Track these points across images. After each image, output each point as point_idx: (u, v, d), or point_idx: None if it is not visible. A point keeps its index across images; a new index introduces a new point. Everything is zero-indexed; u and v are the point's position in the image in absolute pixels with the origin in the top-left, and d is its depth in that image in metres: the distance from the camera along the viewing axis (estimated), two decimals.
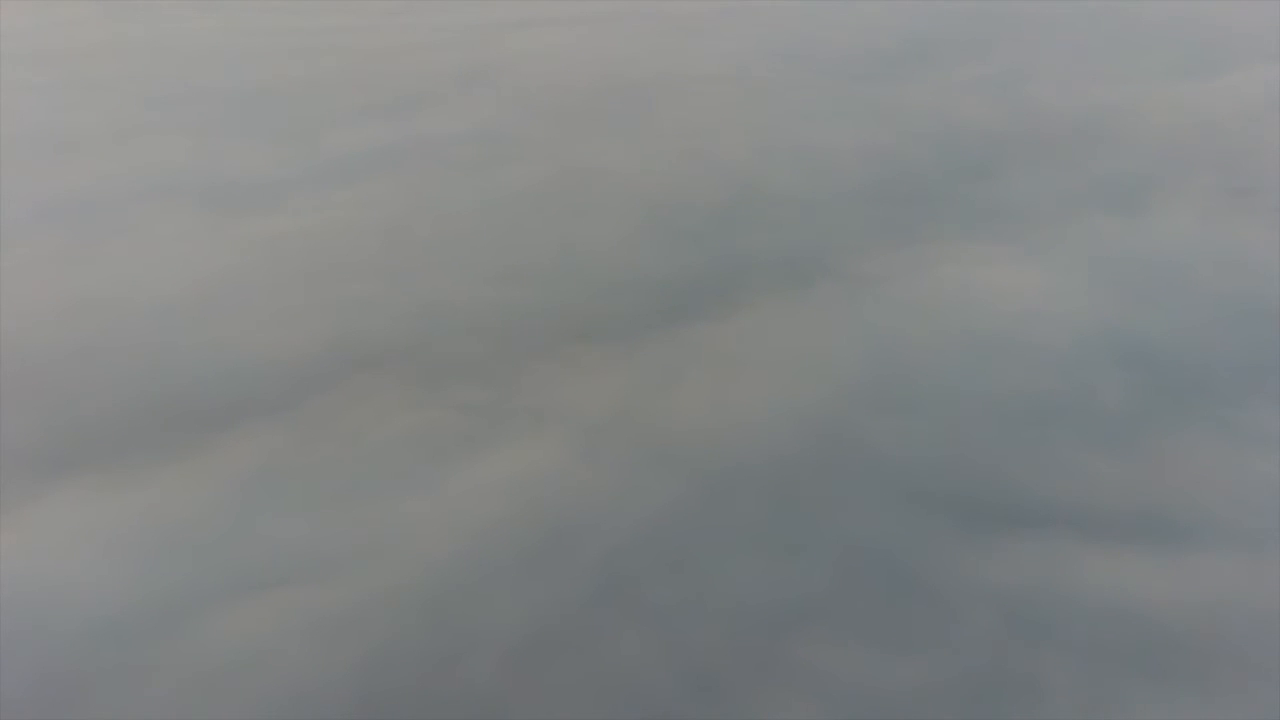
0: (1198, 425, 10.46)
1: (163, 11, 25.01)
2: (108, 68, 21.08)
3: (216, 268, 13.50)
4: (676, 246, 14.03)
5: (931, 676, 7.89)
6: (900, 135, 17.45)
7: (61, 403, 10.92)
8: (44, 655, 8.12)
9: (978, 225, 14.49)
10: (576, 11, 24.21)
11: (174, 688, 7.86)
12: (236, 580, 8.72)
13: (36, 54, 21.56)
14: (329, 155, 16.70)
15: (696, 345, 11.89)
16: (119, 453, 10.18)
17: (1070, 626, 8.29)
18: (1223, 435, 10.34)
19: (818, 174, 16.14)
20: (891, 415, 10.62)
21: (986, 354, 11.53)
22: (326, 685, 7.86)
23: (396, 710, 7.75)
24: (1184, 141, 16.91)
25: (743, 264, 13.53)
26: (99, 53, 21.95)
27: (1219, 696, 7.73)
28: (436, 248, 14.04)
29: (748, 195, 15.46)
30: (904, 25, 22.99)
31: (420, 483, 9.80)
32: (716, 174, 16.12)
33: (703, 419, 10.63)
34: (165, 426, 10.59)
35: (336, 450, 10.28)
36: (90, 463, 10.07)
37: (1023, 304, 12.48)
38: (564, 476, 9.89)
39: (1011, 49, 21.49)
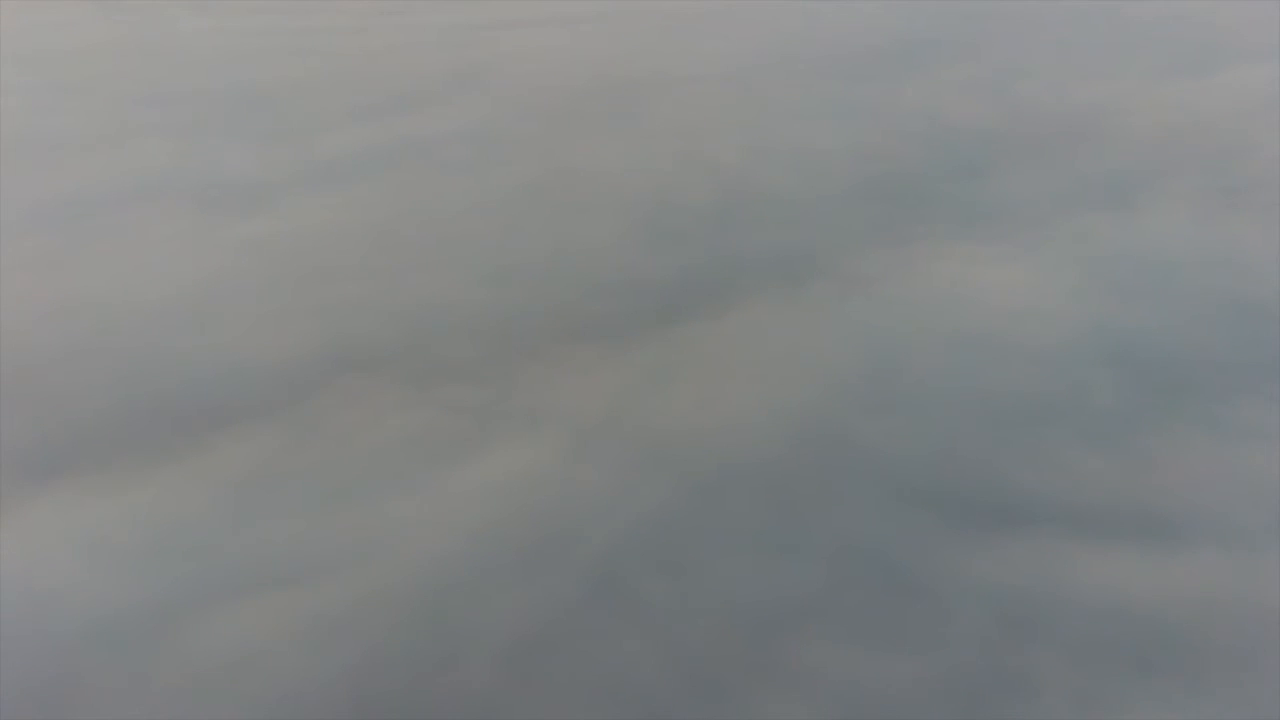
0: (1188, 422, 10.50)
1: (154, 13, 24.95)
2: (99, 69, 21.04)
3: (208, 269, 13.48)
4: (668, 246, 14.04)
5: (925, 674, 7.91)
6: (892, 135, 17.48)
7: (54, 405, 10.89)
8: (38, 657, 8.10)
9: (969, 224, 14.53)
10: (568, 12, 24.21)
11: (169, 690, 7.85)
12: (231, 582, 8.71)
13: (27, 55, 21.50)
14: (321, 156, 16.68)
15: (689, 345, 11.90)
16: (112, 455, 10.16)
17: (1063, 623, 8.32)
18: (1213, 432, 10.38)
19: (810, 174, 16.17)
20: (884, 414, 10.64)
21: (978, 353, 11.56)
22: (321, 687, 7.85)
23: (391, 711, 7.74)
24: (1174, 140, 16.97)
25: (735, 264, 13.54)
26: (90, 54, 21.89)
27: (1210, 691, 7.76)
28: (428, 249, 14.03)
29: (739, 195, 15.48)
30: (896, 25, 23.04)
31: (413, 484, 9.80)
32: (709, 174, 16.14)
33: (696, 419, 10.64)
34: (158, 429, 10.57)
35: (330, 452, 10.27)
36: (83, 465, 10.04)
37: (1014, 302, 12.51)
38: (557, 477, 9.89)
39: (1003, 49, 21.54)
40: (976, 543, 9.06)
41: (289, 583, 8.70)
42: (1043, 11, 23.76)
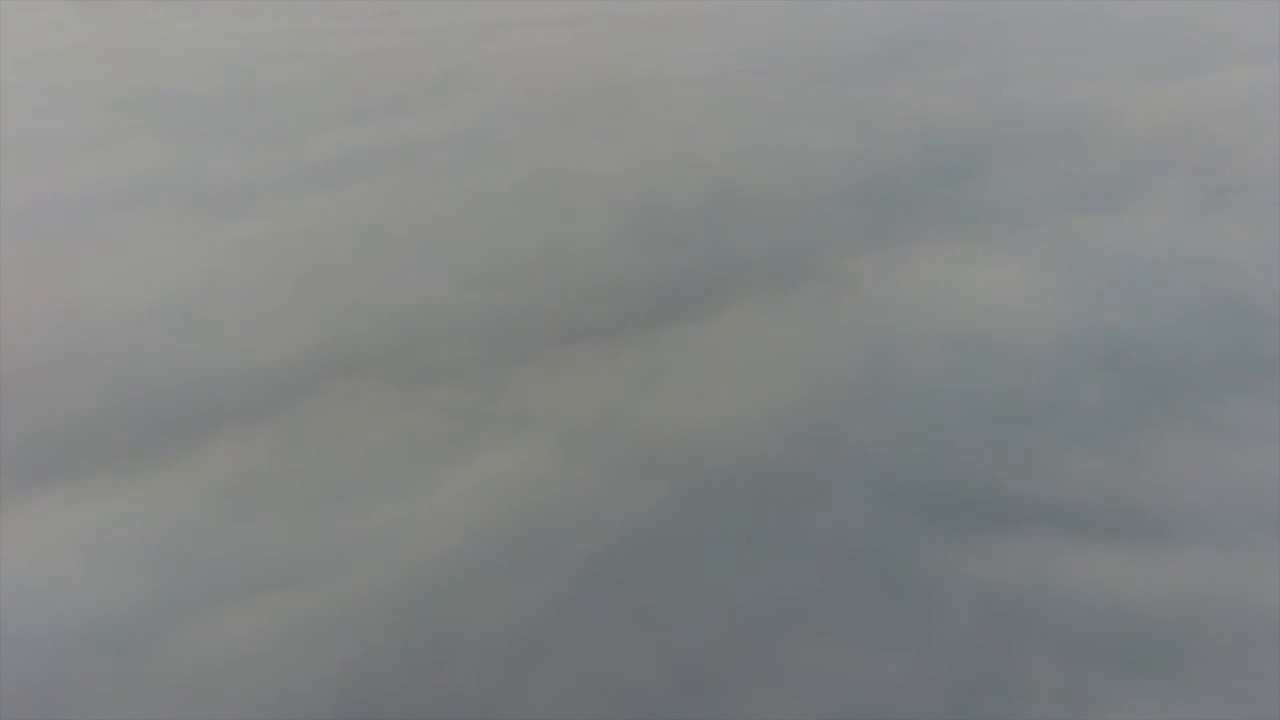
0: (1176, 422, 10.54)
1: (142, 16, 24.89)
2: (89, 72, 20.98)
3: (198, 272, 13.46)
4: (659, 248, 14.05)
5: (917, 672, 7.94)
6: (881, 137, 17.52)
7: (46, 409, 10.87)
8: (31, 659, 8.09)
9: (959, 226, 14.56)
10: (557, 14, 24.21)
11: (159, 693, 7.85)
12: (221, 585, 8.70)
13: (16, 59, 21.44)
14: (312, 159, 16.66)
15: (680, 347, 11.92)
16: (105, 458, 10.15)
17: (1053, 621, 8.36)
18: (1200, 431, 10.42)
19: (799, 176, 16.19)
20: (875, 414, 10.67)
21: (968, 353, 11.59)
22: (312, 689, 7.85)
23: (384, 712, 7.75)
24: (1161, 141, 17.03)
25: (725, 265, 13.56)
26: (80, 57, 21.84)
27: (1200, 689, 7.80)
28: (420, 251, 14.02)
29: (730, 197, 15.50)
30: (885, 28, 23.08)
31: (404, 486, 9.79)
32: (699, 176, 16.15)
33: (686, 420, 10.65)
34: (150, 432, 10.57)
35: (322, 454, 10.26)
36: (76, 469, 10.03)
37: (1003, 303, 12.54)
38: (548, 479, 9.89)
39: (991, 51, 21.59)
40: (967, 542, 9.09)
41: (281, 585, 8.70)
42: (1031, 13, 23.83)
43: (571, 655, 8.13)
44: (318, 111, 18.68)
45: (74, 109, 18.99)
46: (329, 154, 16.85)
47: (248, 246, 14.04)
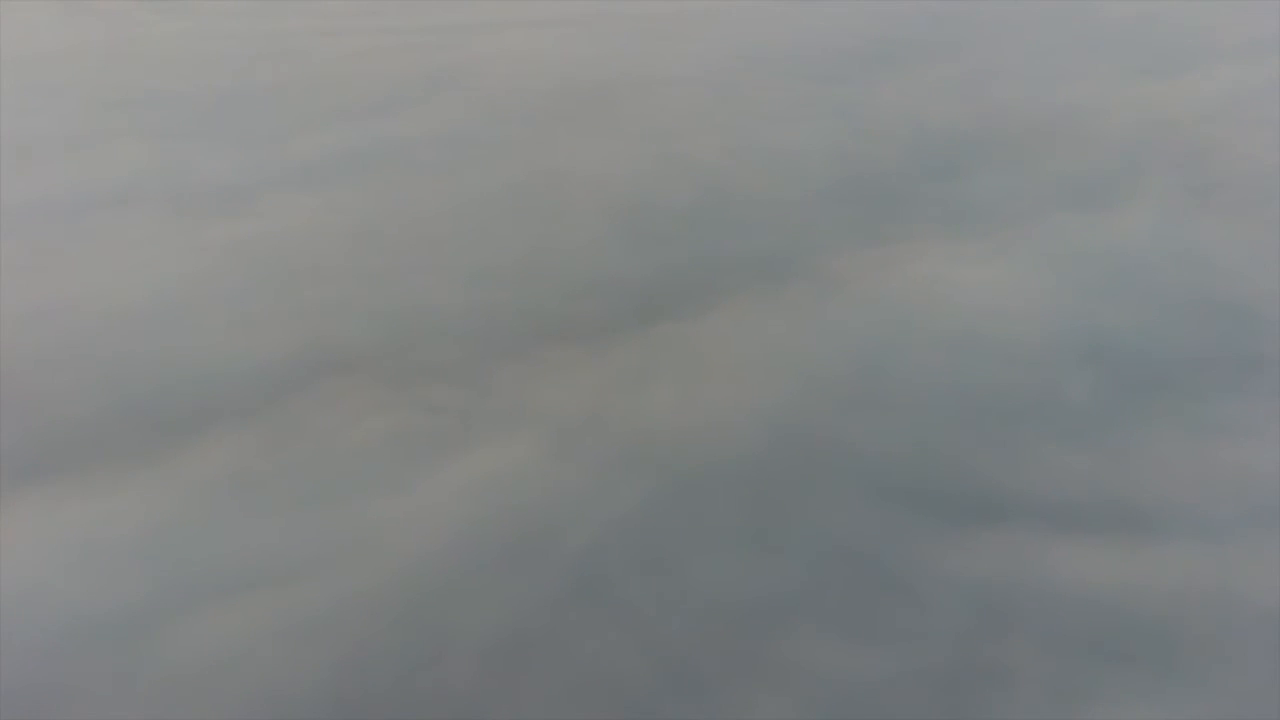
0: (1162, 418, 10.62)
1: (127, 16, 24.79)
2: (73, 72, 20.90)
3: (185, 272, 13.42)
4: (647, 247, 14.08)
5: (905, 666, 7.99)
6: (869, 136, 17.59)
7: (32, 409, 10.83)
8: (17, 660, 8.05)
9: (946, 224, 14.63)
10: (544, 14, 24.22)
11: (148, 693, 7.82)
12: (210, 585, 8.68)
13: (0, 59, 21.30)
14: (299, 159, 16.62)
15: (668, 345, 11.95)
16: (91, 458, 10.11)
17: (1039, 615, 8.41)
18: (1186, 427, 10.50)
19: (787, 174, 16.25)
20: (862, 411, 10.71)
21: (955, 351, 11.65)
22: (302, 688, 7.84)
23: (374, 711, 7.74)
24: (1147, 140, 17.14)
25: (714, 264, 13.60)
26: (64, 57, 21.74)
27: (1184, 680, 7.87)
28: (407, 251, 14.02)
29: (718, 196, 15.54)
30: (871, 27, 23.15)
31: (393, 485, 9.79)
32: (687, 175, 16.18)
33: (675, 418, 10.68)
34: (135, 432, 10.53)
35: (309, 454, 10.25)
36: (63, 469, 10.00)
37: (990, 301, 12.61)
38: (538, 477, 9.90)
39: (977, 50, 21.70)
40: (954, 537, 9.15)
41: (270, 583, 8.69)
42: (1018, 13, 23.95)
43: (563, 652, 8.14)
44: (306, 111, 18.64)
45: (61, 109, 18.91)
46: (317, 153, 16.82)
47: (236, 246, 14.00)
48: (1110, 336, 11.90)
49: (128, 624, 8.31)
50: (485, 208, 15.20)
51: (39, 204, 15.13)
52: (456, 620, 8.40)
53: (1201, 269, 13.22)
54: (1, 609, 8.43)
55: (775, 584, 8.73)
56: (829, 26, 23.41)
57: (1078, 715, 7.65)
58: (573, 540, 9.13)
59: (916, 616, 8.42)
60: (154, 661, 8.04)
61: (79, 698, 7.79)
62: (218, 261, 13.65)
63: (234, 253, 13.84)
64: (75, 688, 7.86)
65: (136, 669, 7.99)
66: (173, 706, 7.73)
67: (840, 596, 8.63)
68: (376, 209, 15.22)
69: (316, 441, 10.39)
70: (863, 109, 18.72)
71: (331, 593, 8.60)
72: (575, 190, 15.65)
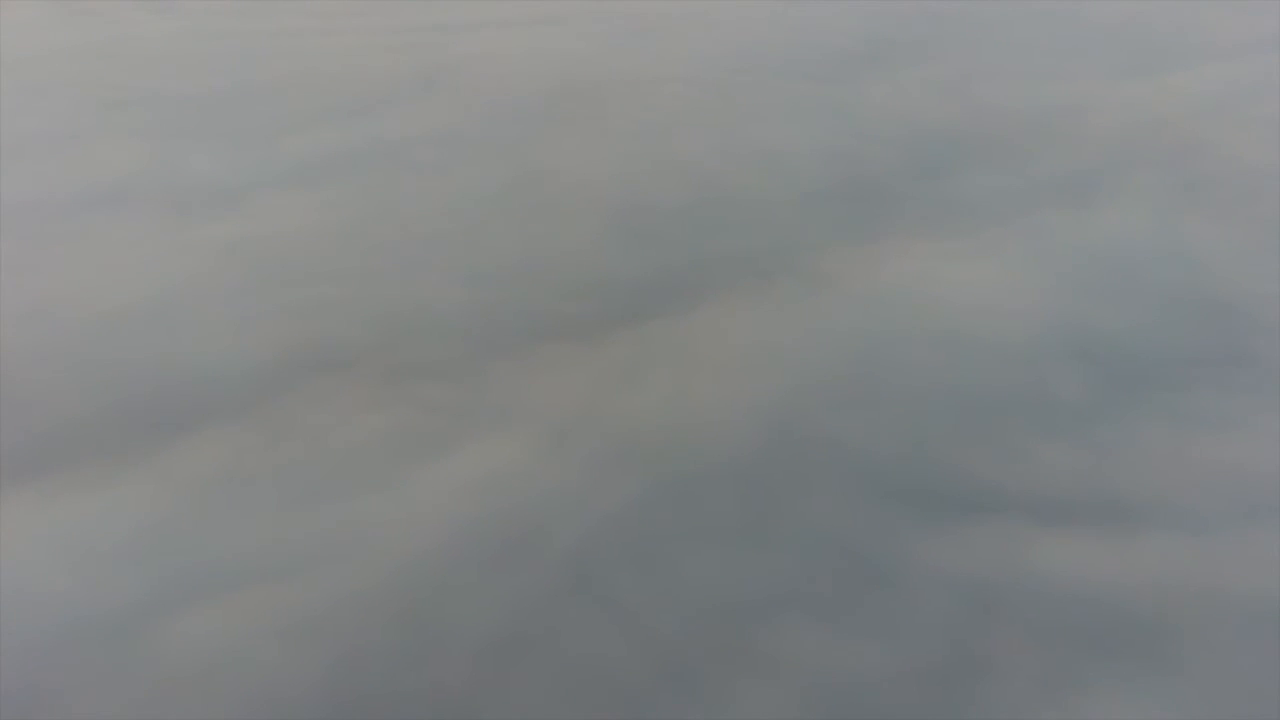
0: (1148, 413, 10.70)
1: (117, 16, 24.72)
2: (63, 72, 20.83)
3: (176, 272, 13.41)
4: (638, 246, 14.11)
5: (893, 659, 8.06)
6: (857, 135, 17.64)
7: (24, 408, 10.81)
8: (8, 661, 8.06)
9: (934, 223, 14.69)
10: (534, 13, 24.22)
11: (140, 692, 7.84)
12: (202, 583, 8.70)
13: None
14: (290, 158, 16.60)
15: (660, 343, 11.98)
16: (83, 457, 10.11)
17: (1026, 608, 8.48)
18: (1173, 423, 10.58)
19: (777, 174, 16.30)
20: (852, 409, 10.77)
21: (943, 348, 11.72)
22: (296, 686, 7.87)
23: (367, 711, 7.77)
24: (1133, 139, 17.23)
25: (704, 262, 13.64)
26: (53, 57, 21.67)
27: (1170, 672, 7.95)
28: (400, 249, 14.03)
29: (708, 195, 15.58)
30: (860, 28, 23.21)
31: (386, 483, 9.82)
32: (677, 174, 16.22)
33: (667, 415, 10.73)
34: (126, 431, 10.53)
35: (301, 452, 10.26)
36: (53, 467, 10.00)
37: (978, 299, 12.68)
38: (531, 475, 9.94)
39: (967, 50, 21.78)
40: (943, 532, 9.22)
41: (263, 582, 8.71)
42: (1007, 14, 24.03)
43: (556, 649, 8.19)
44: (296, 111, 18.61)
45: (54, 108, 18.86)
46: (308, 153, 16.80)
47: (228, 245, 13.99)
48: (1098, 333, 11.98)
49: (121, 622, 8.32)
50: (478, 206, 15.22)
51: (32, 203, 15.10)
52: (450, 617, 8.43)
53: (1190, 266, 13.31)
54: None
55: (766, 579, 8.79)
56: (820, 26, 23.47)
57: (1065, 708, 7.72)
58: (566, 537, 9.17)
59: (906, 610, 8.49)
60: (148, 659, 8.05)
61: (73, 696, 7.80)
62: (211, 260, 13.64)
63: (228, 252, 13.84)
64: (69, 686, 7.88)
65: (130, 667, 8.00)
66: (167, 704, 7.75)
67: (831, 591, 8.69)
68: (370, 208, 15.22)
69: (310, 439, 10.41)
70: (853, 108, 18.77)
71: (325, 590, 8.63)
72: (568, 188, 15.68)
